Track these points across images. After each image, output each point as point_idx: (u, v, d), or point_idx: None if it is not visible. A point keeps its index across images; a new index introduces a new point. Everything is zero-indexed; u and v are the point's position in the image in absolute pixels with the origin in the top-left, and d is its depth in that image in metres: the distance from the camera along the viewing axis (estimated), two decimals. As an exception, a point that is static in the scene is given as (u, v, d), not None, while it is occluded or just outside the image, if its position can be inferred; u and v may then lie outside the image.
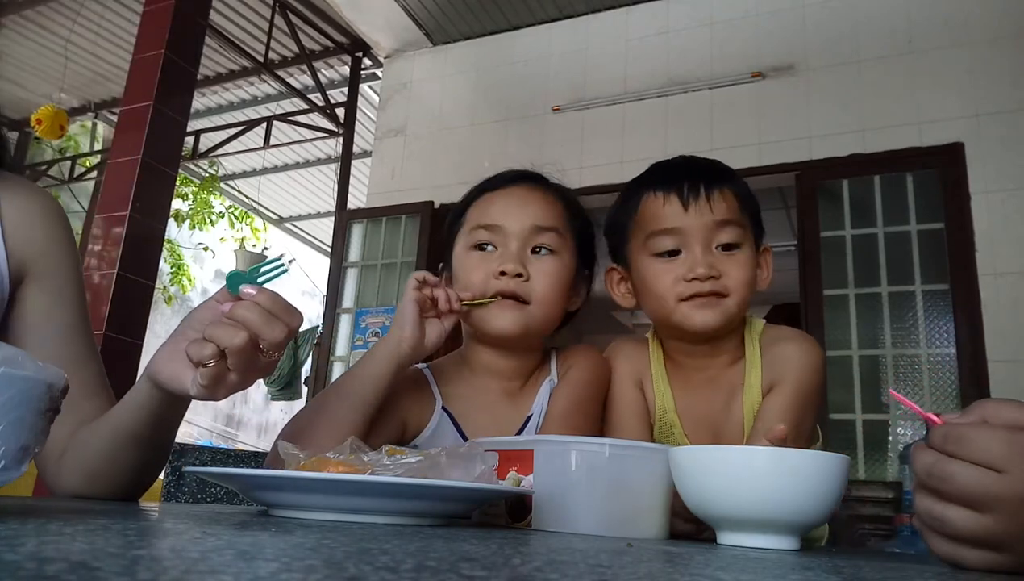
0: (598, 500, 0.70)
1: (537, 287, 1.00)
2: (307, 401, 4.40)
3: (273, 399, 6.14)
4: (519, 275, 0.99)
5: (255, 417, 9.15)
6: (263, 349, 0.67)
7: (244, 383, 0.68)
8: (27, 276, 0.84)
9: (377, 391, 0.92)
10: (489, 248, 1.03)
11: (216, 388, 0.67)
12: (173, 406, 0.74)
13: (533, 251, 1.02)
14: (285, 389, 5.46)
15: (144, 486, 0.82)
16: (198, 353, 0.65)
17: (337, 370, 4.14)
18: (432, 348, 0.97)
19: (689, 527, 0.78)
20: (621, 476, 0.71)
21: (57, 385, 0.44)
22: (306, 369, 5.02)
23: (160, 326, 8.12)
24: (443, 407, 1.03)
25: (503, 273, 0.99)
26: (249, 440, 8.79)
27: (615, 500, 0.70)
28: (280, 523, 0.49)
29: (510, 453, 0.75)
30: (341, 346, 4.19)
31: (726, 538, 0.67)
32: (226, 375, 0.66)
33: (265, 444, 8.49)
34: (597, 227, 1.13)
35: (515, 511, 0.74)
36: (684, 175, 1.03)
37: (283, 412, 8.63)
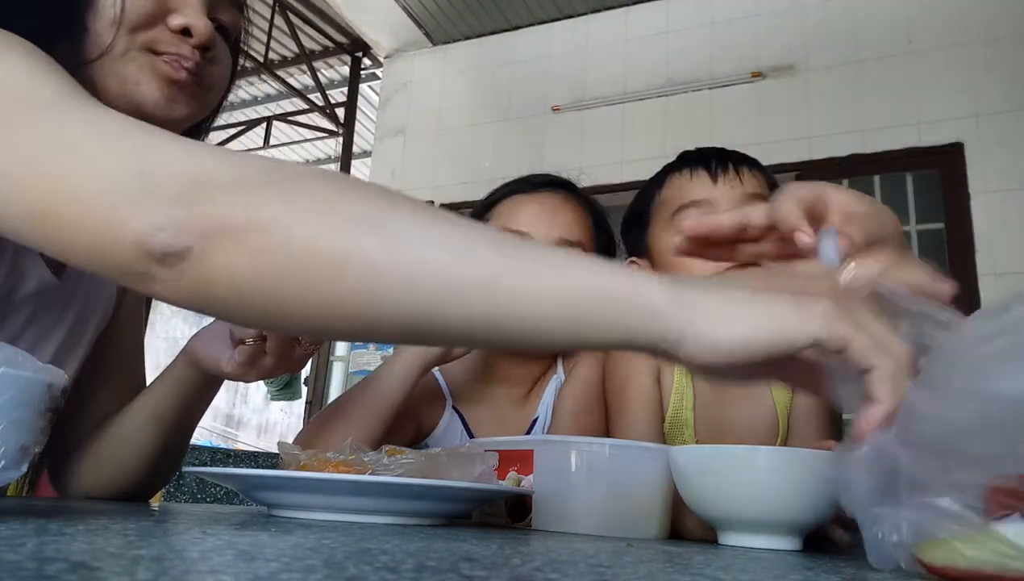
0: (598, 500, 0.70)
1: None
2: (307, 401, 4.40)
3: (273, 399, 6.14)
4: None
5: (255, 417, 9.15)
6: (301, 340, 0.71)
7: (276, 370, 0.72)
8: None
9: (400, 396, 0.91)
10: None
11: (250, 369, 0.71)
12: (202, 389, 0.77)
13: None
14: (285, 389, 5.47)
15: (153, 485, 0.82)
16: (241, 331, 0.69)
17: (337, 370, 4.14)
18: (458, 356, 0.97)
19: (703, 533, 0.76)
20: (621, 476, 0.71)
21: (57, 385, 0.44)
22: (306, 369, 5.03)
23: (160, 326, 8.13)
24: (453, 406, 1.04)
25: None
26: (249, 440, 8.79)
27: (615, 500, 0.70)
28: (280, 523, 0.49)
29: (510, 453, 0.75)
30: (341, 346, 4.19)
31: (726, 538, 0.67)
32: (262, 358, 0.70)
33: (265, 444, 8.48)
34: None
35: (515, 511, 0.74)
36: (712, 153, 1.01)
37: (283, 412, 8.63)
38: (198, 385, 0.76)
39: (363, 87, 5.04)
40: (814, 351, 0.40)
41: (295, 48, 4.79)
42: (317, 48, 4.94)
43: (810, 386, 0.46)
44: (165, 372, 0.77)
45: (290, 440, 0.79)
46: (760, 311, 0.40)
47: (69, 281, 0.75)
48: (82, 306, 0.77)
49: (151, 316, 3.04)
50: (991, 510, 0.36)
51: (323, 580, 0.23)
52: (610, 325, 0.39)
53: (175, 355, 0.77)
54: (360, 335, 0.41)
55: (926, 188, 3.15)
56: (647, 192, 1.06)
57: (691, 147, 1.09)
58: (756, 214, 0.58)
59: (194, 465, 1.34)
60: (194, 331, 0.77)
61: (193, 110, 0.71)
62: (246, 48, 0.85)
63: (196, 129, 0.82)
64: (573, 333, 0.40)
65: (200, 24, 0.67)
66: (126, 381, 0.84)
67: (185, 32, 0.67)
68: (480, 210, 1.10)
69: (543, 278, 0.39)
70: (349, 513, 0.56)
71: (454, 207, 3.86)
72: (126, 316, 0.85)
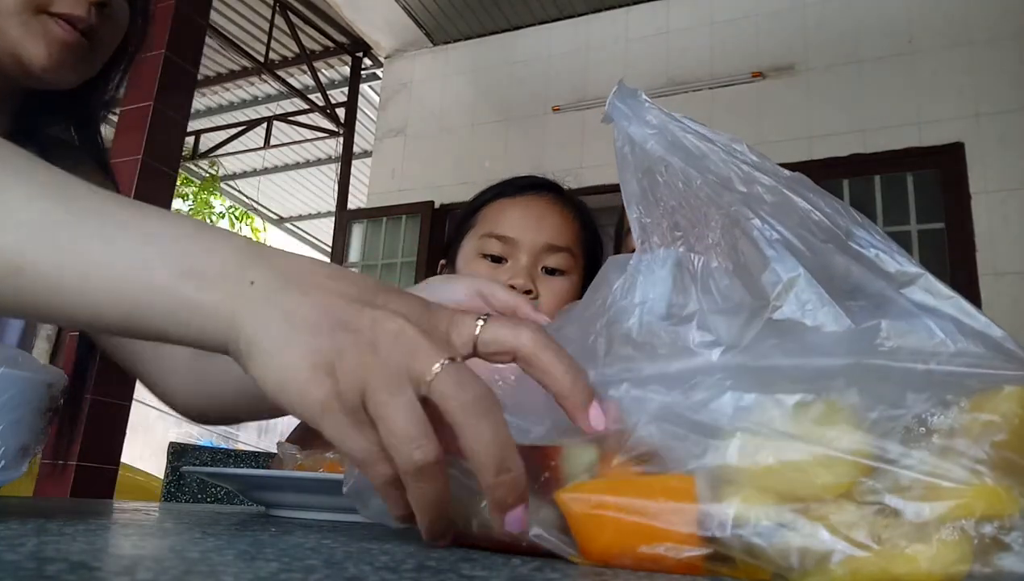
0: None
1: (544, 307, 0.99)
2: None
3: (273, 399, 6.14)
4: (528, 292, 0.98)
5: (255, 417, 9.16)
6: None
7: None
8: None
9: None
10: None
11: None
12: None
13: (543, 269, 1.02)
14: (285, 389, 5.46)
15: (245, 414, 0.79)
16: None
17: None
18: None
19: None
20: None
21: (57, 385, 0.44)
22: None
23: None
24: None
25: (512, 288, 0.98)
26: (249, 440, 8.79)
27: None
28: (280, 523, 0.49)
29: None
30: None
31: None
32: None
33: (265, 444, 8.49)
34: (600, 229, 1.12)
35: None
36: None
37: (283, 412, 8.64)
38: None
39: (363, 87, 5.05)
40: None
41: (295, 48, 4.79)
42: (317, 48, 4.95)
43: None
44: None
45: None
46: (294, 355, 0.31)
47: None
48: None
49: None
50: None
51: (323, 580, 0.23)
52: (175, 323, 0.33)
53: None
54: None
55: (926, 188, 3.15)
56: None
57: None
58: None
59: (194, 465, 1.34)
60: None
61: (81, 73, 0.72)
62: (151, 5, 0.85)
63: (96, 101, 0.82)
64: (136, 327, 0.34)
65: None
66: None
67: None
68: (466, 214, 1.10)
69: (89, 256, 0.33)
70: (349, 513, 0.56)
71: (454, 207, 3.86)
72: None
